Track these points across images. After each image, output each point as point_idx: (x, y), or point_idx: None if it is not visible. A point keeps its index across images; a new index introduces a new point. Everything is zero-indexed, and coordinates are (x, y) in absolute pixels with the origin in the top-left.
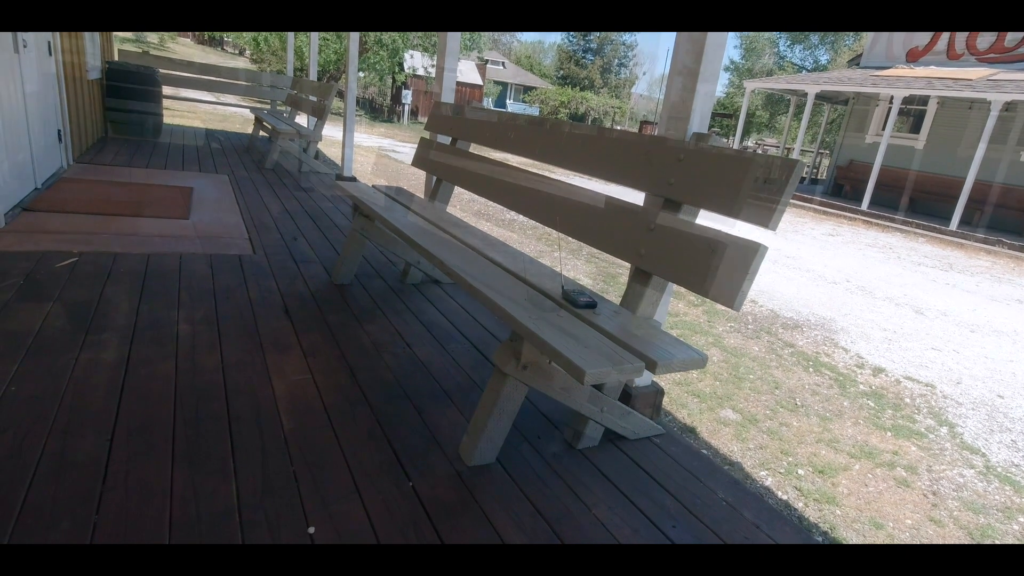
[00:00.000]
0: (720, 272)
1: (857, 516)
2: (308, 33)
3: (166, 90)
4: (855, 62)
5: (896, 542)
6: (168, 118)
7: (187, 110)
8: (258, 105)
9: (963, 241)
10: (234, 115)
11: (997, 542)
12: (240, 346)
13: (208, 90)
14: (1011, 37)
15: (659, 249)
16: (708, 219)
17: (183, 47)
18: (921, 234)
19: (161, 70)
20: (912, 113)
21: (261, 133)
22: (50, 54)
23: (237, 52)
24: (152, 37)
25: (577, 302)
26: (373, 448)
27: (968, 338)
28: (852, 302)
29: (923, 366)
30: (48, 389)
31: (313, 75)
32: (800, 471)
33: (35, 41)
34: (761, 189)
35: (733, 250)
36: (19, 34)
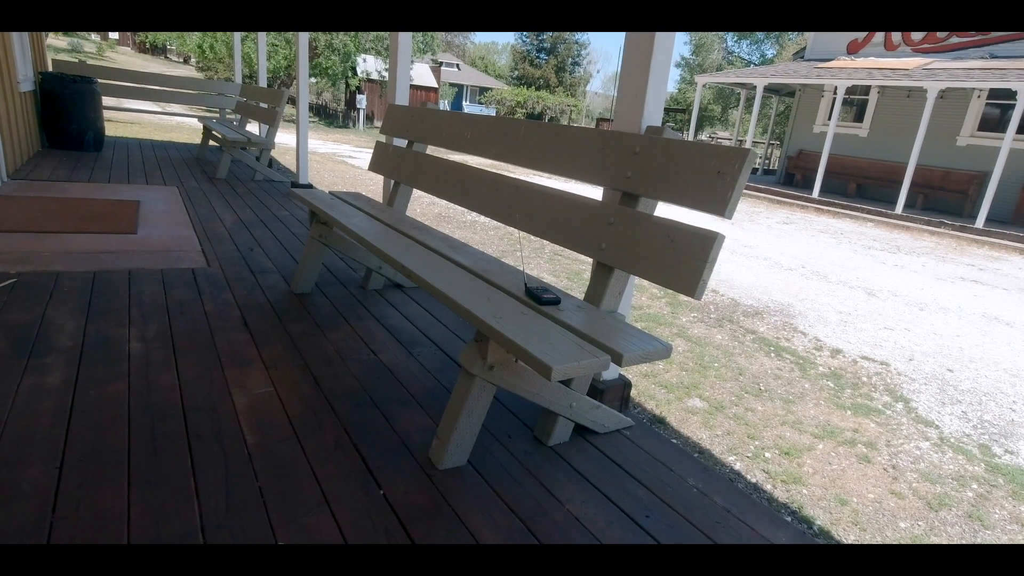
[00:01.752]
0: (680, 262)
1: (823, 494)
2: (255, 39)
3: (108, 101)
4: (800, 55)
5: (860, 516)
6: (111, 130)
7: (131, 120)
8: (206, 114)
9: (908, 224)
10: (181, 125)
11: (954, 510)
12: (197, 362)
13: (152, 100)
14: None
15: (619, 242)
16: (667, 211)
17: (123, 56)
18: (869, 219)
19: (100, 80)
20: (855, 103)
21: (211, 143)
22: None
23: (181, 60)
24: (89, 46)
25: (541, 299)
26: (341, 457)
27: (918, 316)
28: (808, 287)
29: (877, 345)
30: None
31: (263, 82)
32: (767, 454)
33: None
34: (715, 178)
35: (691, 239)
36: None
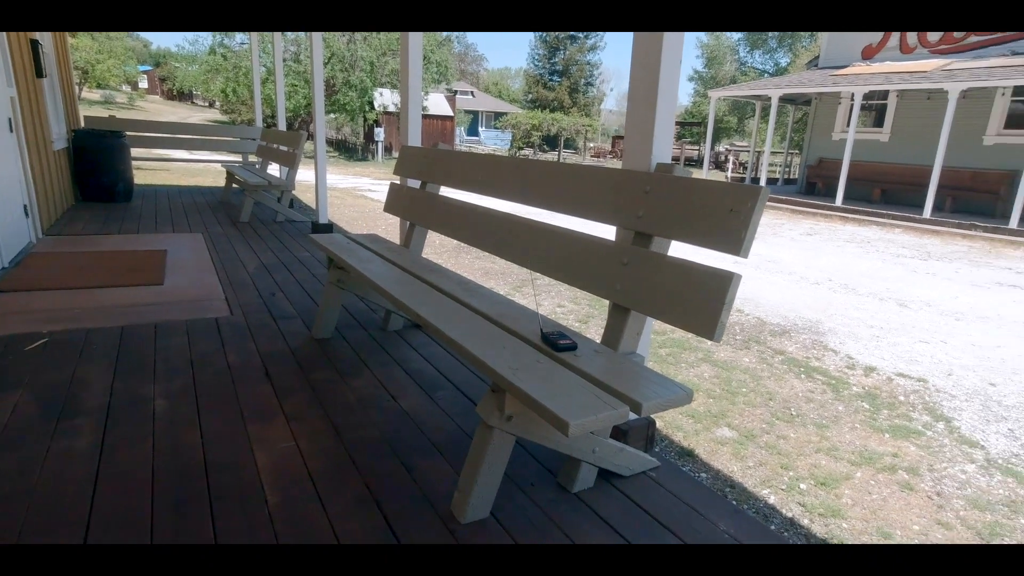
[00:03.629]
0: (696, 304)
1: (864, 528)
2: (275, 81)
3: (137, 150)
4: (813, 63)
5: None
6: (140, 178)
7: (159, 167)
8: (230, 158)
9: (938, 228)
10: (207, 169)
11: (1006, 540)
12: (220, 417)
13: (178, 147)
14: None
15: (634, 283)
16: (682, 250)
17: (152, 104)
18: (897, 225)
19: (129, 132)
20: (874, 108)
21: (234, 186)
22: (11, 131)
23: (207, 104)
24: (120, 97)
25: (557, 345)
26: (363, 515)
27: (954, 327)
28: (837, 301)
29: (913, 360)
30: (16, 488)
31: (282, 122)
32: (802, 485)
33: None
34: (728, 216)
35: (707, 280)
36: None
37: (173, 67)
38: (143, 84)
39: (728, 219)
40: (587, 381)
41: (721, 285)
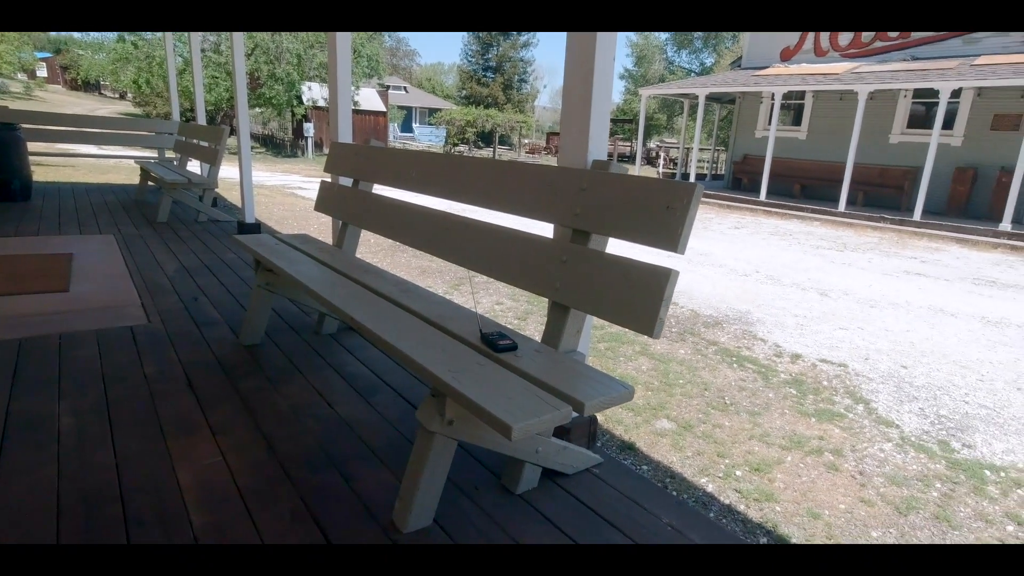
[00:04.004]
0: (635, 301)
1: (795, 510)
2: (192, 72)
3: (37, 145)
4: (737, 63)
5: (833, 528)
6: (41, 175)
7: (63, 163)
8: (144, 154)
9: (852, 221)
10: (119, 166)
11: (920, 512)
12: (137, 434)
13: (82, 142)
14: (867, 33)
15: (573, 281)
16: (619, 247)
17: (54, 94)
18: (815, 218)
19: (24, 125)
20: (792, 107)
21: (150, 184)
22: None
23: (118, 96)
24: (15, 86)
25: (497, 346)
26: (299, 531)
27: (869, 314)
28: (764, 292)
29: (834, 347)
30: None
31: (201, 116)
32: (738, 472)
33: None
34: (665, 213)
35: (645, 278)
36: None
37: (76, 55)
38: (41, 72)
39: (665, 216)
40: (529, 382)
41: (659, 282)
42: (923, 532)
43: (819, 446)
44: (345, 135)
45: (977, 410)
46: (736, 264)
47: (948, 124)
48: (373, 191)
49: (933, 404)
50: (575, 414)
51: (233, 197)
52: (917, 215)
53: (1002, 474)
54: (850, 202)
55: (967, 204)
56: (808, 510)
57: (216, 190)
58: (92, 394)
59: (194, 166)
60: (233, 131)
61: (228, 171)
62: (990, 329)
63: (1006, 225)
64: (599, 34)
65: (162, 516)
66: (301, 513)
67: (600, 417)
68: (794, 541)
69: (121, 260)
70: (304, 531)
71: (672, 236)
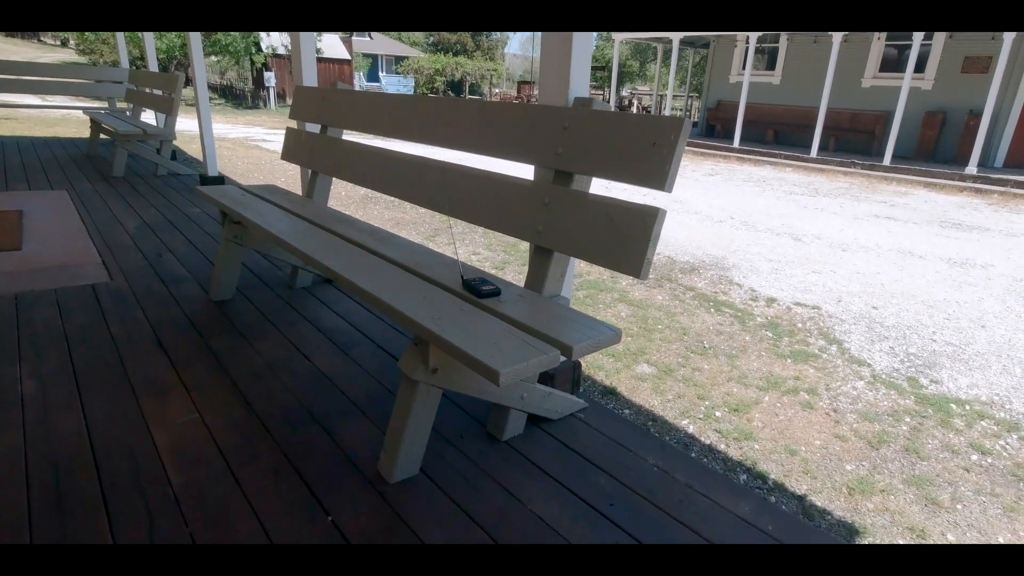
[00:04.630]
0: (622, 242)
1: (773, 447)
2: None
3: None
4: None
5: (809, 464)
6: None
7: (4, 115)
8: (93, 105)
9: (824, 167)
10: (67, 118)
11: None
12: (106, 396)
13: (23, 92)
14: None
15: (557, 224)
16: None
17: None
18: (787, 164)
19: None
20: (767, 51)
21: (102, 136)
22: None
23: (59, 43)
24: None
25: (480, 291)
26: (282, 487)
27: (841, 257)
28: (739, 238)
29: (808, 290)
30: None
31: (153, 64)
32: (717, 413)
33: None
34: (651, 150)
35: (632, 218)
36: None
37: None
38: None
39: (651, 153)
40: (514, 327)
41: (646, 222)
42: (894, 464)
43: (795, 386)
44: (310, 82)
45: (944, 347)
46: (711, 211)
47: (920, 67)
48: (343, 138)
49: (902, 343)
50: (563, 358)
51: (193, 151)
52: (887, 160)
53: (967, 407)
54: (822, 148)
55: (935, 148)
56: (785, 447)
57: (174, 143)
58: (55, 356)
59: (148, 117)
60: (188, 81)
61: (185, 123)
62: (956, 270)
63: (972, 169)
64: None
65: (138, 478)
66: (284, 468)
67: (582, 363)
68: (772, 478)
69: (76, 217)
70: (288, 486)
71: (659, 174)
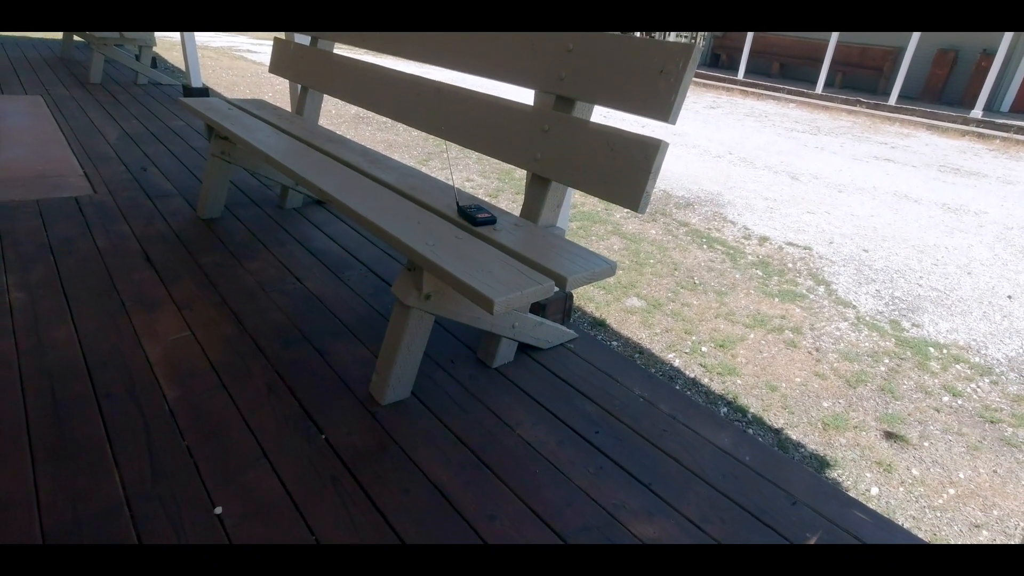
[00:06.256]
0: (621, 173)
1: (755, 383)
2: None
3: None
4: None
5: (788, 400)
6: None
7: None
8: None
9: (828, 104)
10: None
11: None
12: (97, 309)
13: None
14: None
15: (555, 152)
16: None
17: None
18: (791, 99)
19: None
20: None
21: (76, 38)
22: None
23: None
24: None
25: (475, 219)
26: (276, 403)
27: (837, 198)
28: (736, 174)
29: (801, 230)
30: None
31: None
32: (703, 348)
33: None
34: (657, 78)
35: (633, 148)
36: None
37: None
38: None
39: (658, 81)
40: (509, 256)
41: (647, 153)
42: (869, 402)
43: (780, 324)
44: None
45: (928, 292)
46: (709, 145)
47: None
48: (335, 51)
49: (889, 286)
50: (556, 289)
51: (174, 59)
52: (893, 99)
53: (944, 351)
54: (828, 83)
55: (943, 89)
56: (766, 383)
57: (154, 49)
58: (41, 268)
59: None
60: None
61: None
62: (949, 216)
63: (977, 112)
64: None
65: (132, 390)
66: (278, 385)
67: (573, 294)
68: (751, 412)
69: (54, 124)
70: (281, 402)
71: (664, 104)
